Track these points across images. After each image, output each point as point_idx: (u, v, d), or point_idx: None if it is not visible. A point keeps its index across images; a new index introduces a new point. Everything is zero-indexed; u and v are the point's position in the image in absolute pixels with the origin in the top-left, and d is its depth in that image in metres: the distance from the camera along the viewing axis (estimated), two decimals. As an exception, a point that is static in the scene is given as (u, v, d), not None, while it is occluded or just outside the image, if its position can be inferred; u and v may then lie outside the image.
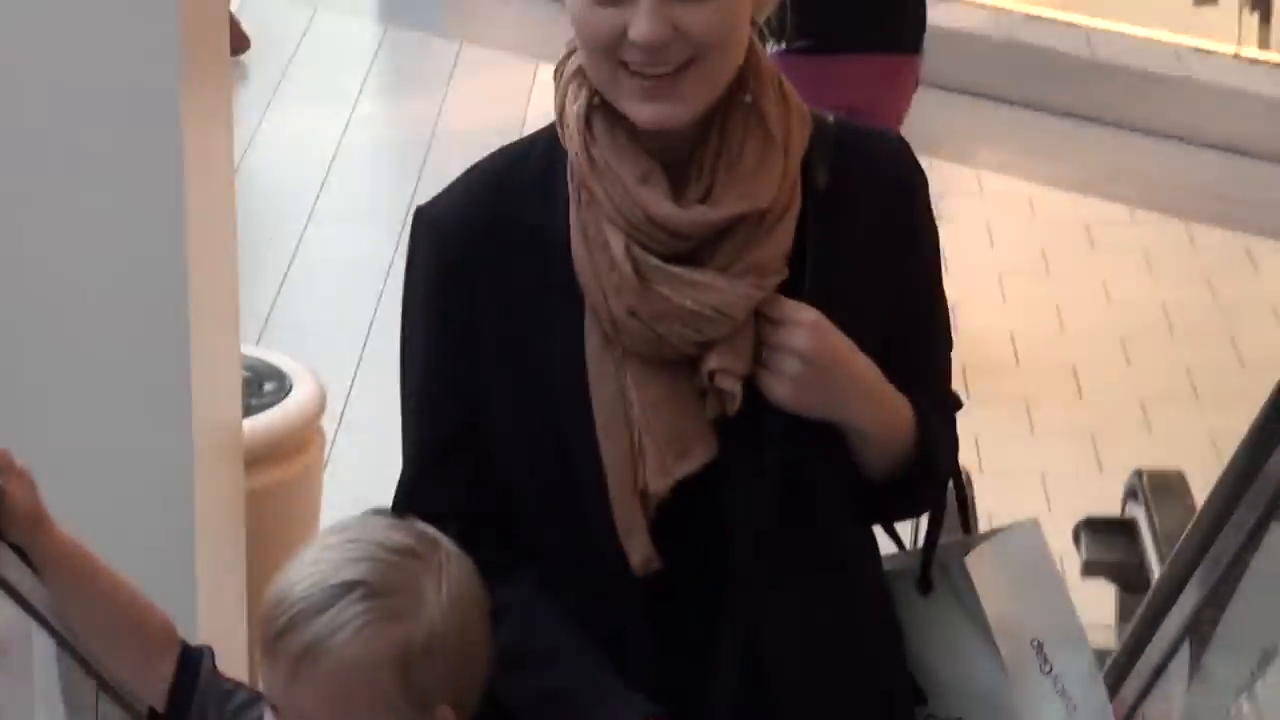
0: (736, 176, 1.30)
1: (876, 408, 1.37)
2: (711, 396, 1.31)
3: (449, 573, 1.27)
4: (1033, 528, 1.57)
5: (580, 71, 1.34)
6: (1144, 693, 2.55)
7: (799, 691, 1.40)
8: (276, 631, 1.21)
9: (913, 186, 1.45)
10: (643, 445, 1.33)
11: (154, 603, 1.42)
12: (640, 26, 1.25)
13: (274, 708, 1.26)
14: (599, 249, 1.30)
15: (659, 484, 1.31)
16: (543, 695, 1.37)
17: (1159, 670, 2.50)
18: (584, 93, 1.34)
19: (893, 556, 1.58)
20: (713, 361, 1.29)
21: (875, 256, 1.39)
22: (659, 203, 1.28)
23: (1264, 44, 6.57)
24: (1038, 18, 7.01)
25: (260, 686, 1.33)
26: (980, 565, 1.49)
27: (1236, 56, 6.55)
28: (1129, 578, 3.28)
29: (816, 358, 1.30)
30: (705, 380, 1.31)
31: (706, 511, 1.35)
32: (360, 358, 4.50)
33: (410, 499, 1.42)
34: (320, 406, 3.22)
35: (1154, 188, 5.90)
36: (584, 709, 1.35)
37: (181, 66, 2.38)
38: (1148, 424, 4.50)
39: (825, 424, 1.36)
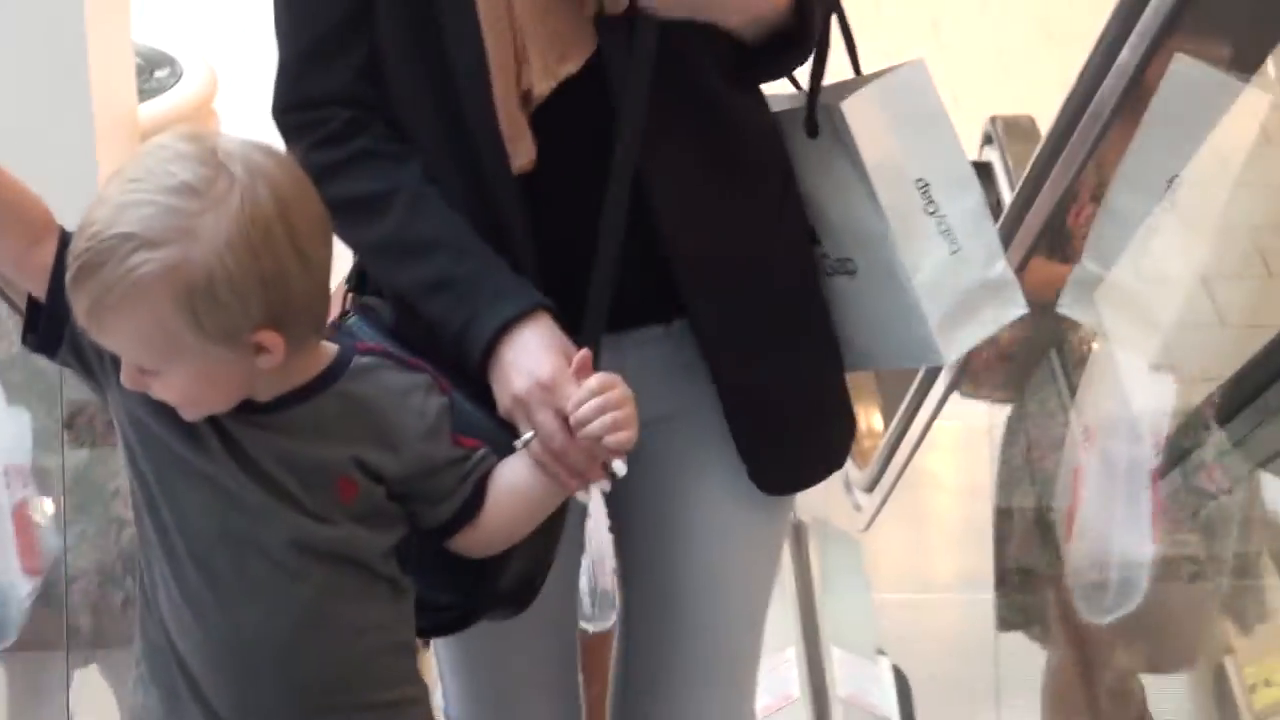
0: None
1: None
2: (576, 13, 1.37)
3: (234, 202, 1.25)
4: (918, 67, 1.59)
5: None
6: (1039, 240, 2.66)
7: (687, 237, 1.46)
8: (68, 281, 1.25)
9: None
10: (525, 48, 1.37)
11: (30, 189, 1.40)
12: None
13: None
14: None
15: (542, 86, 1.36)
16: (429, 284, 1.40)
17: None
18: None
19: (785, 97, 1.60)
20: None
21: None
22: None
23: None
24: None
25: None
26: (860, 107, 1.52)
27: None
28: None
29: None
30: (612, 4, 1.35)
31: (588, 112, 1.39)
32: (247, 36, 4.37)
33: (294, 83, 1.45)
34: (212, 90, 3.32)
35: None
36: (471, 296, 1.39)
37: None
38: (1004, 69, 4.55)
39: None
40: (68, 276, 1.22)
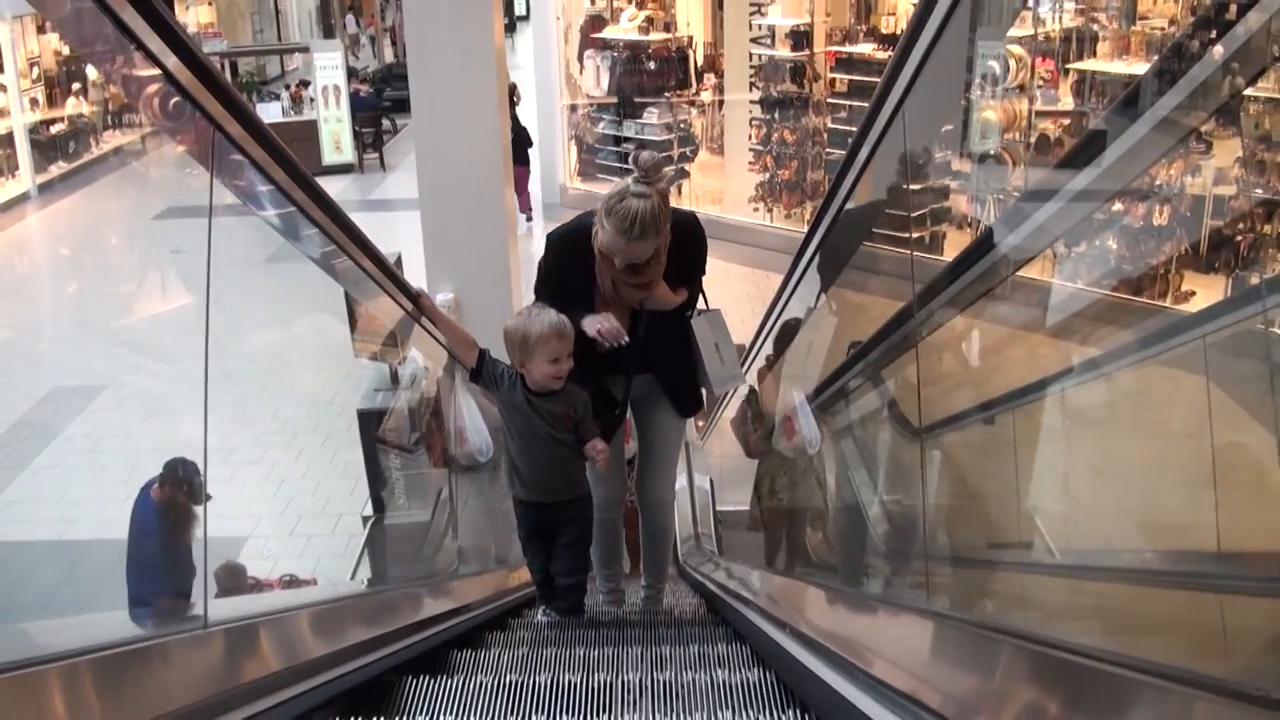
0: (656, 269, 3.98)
1: (677, 299, 4.17)
2: (629, 307, 4.11)
3: (550, 316, 3.84)
4: (718, 311, 4.34)
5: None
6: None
7: (658, 353, 4.32)
8: (547, 339, 3.78)
9: (698, 236, 4.15)
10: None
11: (470, 334, 4.01)
12: (619, 262, 3.92)
13: (525, 368, 3.90)
14: (604, 270, 4.03)
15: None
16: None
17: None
18: (597, 240, 3.95)
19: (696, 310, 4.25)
20: (638, 299, 4.09)
21: (681, 258, 4.10)
22: (618, 271, 3.97)
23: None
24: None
25: (536, 352, 3.83)
26: (699, 319, 4.33)
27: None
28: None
29: (658, 299, 4.10)
30: (637, 305, 4.13)
31: (634, 331, 4.16)
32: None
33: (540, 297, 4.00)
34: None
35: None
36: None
37: None
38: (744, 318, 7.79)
39: (666, 312, 4.17)
40: (547, 336, 3.76)
